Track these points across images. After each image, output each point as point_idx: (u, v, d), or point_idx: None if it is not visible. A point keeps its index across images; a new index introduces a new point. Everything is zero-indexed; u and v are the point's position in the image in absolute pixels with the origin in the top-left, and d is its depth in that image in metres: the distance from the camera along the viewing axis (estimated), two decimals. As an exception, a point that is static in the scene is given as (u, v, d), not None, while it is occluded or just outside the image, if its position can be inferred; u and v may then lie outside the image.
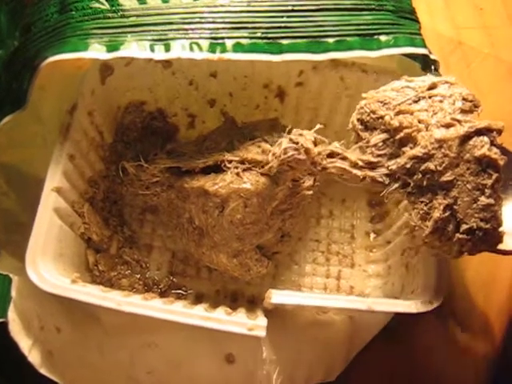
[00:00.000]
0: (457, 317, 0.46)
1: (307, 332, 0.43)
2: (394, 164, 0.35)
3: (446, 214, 0.32)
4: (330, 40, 0.40)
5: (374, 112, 0.36)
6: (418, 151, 0.33)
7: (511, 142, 0.48)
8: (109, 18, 0.38)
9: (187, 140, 0.48)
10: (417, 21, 0.43)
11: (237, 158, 0.40)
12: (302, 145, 0.37)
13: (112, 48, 0.37)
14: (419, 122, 0.34)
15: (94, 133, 0.43)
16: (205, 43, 0.38)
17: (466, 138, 0.32)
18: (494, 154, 0.32)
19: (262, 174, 0.39)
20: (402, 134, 0.34)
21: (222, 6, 0.40)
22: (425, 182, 0.33)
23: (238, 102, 0.46)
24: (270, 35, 0.39)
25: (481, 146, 0.32)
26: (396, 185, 0.35)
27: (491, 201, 0.32)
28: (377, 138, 0.36)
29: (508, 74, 0.55)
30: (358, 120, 0.37)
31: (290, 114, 0.47)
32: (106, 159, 0.46)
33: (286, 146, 0.37)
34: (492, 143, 0.32)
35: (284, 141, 0.37)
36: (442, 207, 0.32)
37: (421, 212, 0.33)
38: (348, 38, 0.40)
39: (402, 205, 0.44)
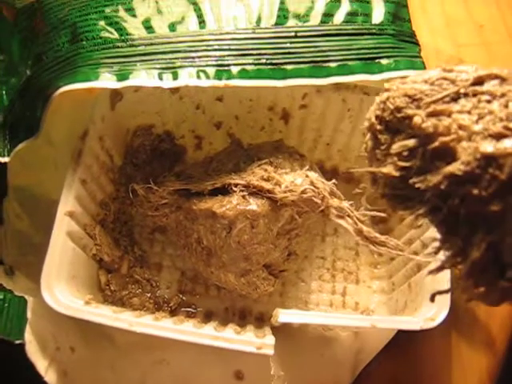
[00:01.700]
0: (459, 329, 0.47)
1: (314, 348, 0.45)
2: (424, 181, 0.26)
3: (489, 255, 0.24)
4: (333, 64, 0.41)
5: (399, 109, 0.27)
6: (457, 168, 0.24)
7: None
8: (118, 47, 0.40)
9: (195, 161, 0.49)
10: (417, 43, 0.44)
11: (243, 182, 0.41)
12: (321, 191, 0.38)
13: (122, 77, 0.38)
14: (459, 127, 0.25)
15: (104, 157, 0.45)
16: (211, 70, 0.39)
17: None
18: None
19: (267, 197, 0.41)
20: (436, 144, 0.25)
21: (227, 33, 0.41)
22: (463, 210, 0.25)
23: (243, 124, 0.47)
24: (274, 61, 0.40)
25: None
26: (423, 209, 0.26)
27: None
28: (402, 144, 0.27)
29: (508, 90, 0.56)
30: (378, 118, 0.28)
31: (295, 134, 0.48)
32: (116, 181, 0.47)
33: (306, 186, 0.39)
34: None
35: (300, 179, 0.39)
36: (483, 245, 0.24)
37: (454, 248, 0.25)
38: (350, 63, 0.41)
39: (405, 222, 0.45)
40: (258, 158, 0.44)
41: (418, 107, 0.26)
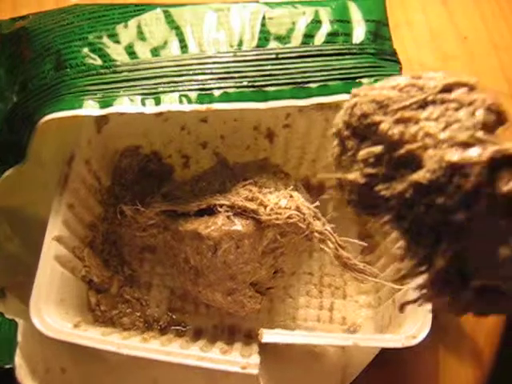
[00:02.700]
0: (447, 343, 0.47)
1: (302, 363, 0.45)
2: (389, 189, 0.26)
3: (453, 264, 0.24)
4: (313, 85, 0.42)
5: (366, 116, 0.27)
6: (422, 176, 0.24)
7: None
8: (101, 74, 0.40)
9: (183, 179, 0.50)
10: (398, 62, 0.45)
11: (228, 203, 0.42)
12: (306, 217, 0.39)
13: (105, 104, 0.39)
14: (426, 135, 0.25)
15: (91, 179, 0.45)
16: (193, 95, 0.40)
17: (490, 167, 0.23)
18: None
19: (252, 218, 0.41)
20: (402, 151, 0.25)
21: (209, 57, 0.42)
22: (428, 219, 0.24)
23: (229, 144, 0.48)
24: (256, 83, 0.41)
25: (509, 180, 0.23)
26: (387, 216, 0.26)
27: None
28: (368, 151, 0.27)
29: (493, 102, 0.56)
30: (345, 123, 0.28)
31: (280, 152, 0.49)
32: (104, 202, 0.48)
33: (292, 212, 0.40)
34: None
35: (285, 200, 0.40)
36: (448, 255, 0.24)
37: (416, 259, 0.25)
38: (330, 83, 0.42)
39: (390, 238, 0.46)
40: (243, 177, 0.45)
41: (385, 114, 0.26)
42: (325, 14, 0.44)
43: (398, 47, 0.45)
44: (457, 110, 0.25)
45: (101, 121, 0.45)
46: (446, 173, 0.23)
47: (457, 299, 0.25)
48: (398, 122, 0.26)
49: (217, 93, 0.40)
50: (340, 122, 0.28)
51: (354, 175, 0.27)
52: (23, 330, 0.42)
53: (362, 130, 0.27)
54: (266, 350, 0.41)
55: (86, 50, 0.41)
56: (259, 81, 0.41)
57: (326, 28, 0.43)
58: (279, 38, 0.42)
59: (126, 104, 0.39)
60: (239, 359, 0.38)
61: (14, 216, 0.47)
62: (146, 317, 0.47)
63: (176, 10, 0.43)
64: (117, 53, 0.41)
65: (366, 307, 0.48)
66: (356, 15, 0.44)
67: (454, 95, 0.26)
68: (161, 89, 0.40)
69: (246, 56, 0.42)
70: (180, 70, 0.41)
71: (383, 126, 0.26)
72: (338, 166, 0.29)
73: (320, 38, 0.43)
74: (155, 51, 0.41)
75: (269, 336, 0.39)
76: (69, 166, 0.42)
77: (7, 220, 0.47)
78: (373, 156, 0.26)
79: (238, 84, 0.41)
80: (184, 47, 0.42)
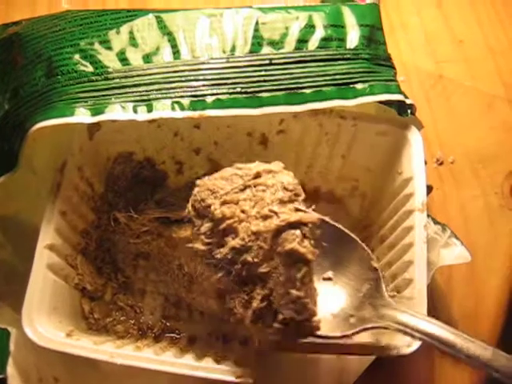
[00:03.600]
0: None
1: (297, 369, 0.45)
2: (218, 253, 0.35)
3: (264, 304, 0.33)
4: (308, 91, 0.41)
5: (203, 200, 0.36)
6: (236, 243, 0.34)
7: (498, 172, 0.50)
8: (93, 81, 0.40)
9: (177, 185, 0.50)
10: (392, 67, 0.45)
11: None
12: None
13: (96, 111, 0.39)
14: (242, 212, 0.34)
15: (84, 186, 0.45)
16: (186, 101, 0.40)
17: (278, 232, 0.33)
18: (303, 247, 0.32)
19: None
20: (224, 225, 0.34)
21: (202, 63, 0.41)
22: (244, 273, 0.34)
23: (223, 150, 0.48)
24: (249, 89, 0.41)
25: (292, 240, 0.32)
26: (220, 273, 0.36)
27: (301, 294, 0.32)
28: (205, 226, 0.36)
29: (488, 106, 0.56)
30: (192, 206, 0.37)
31: (274, 158, 0.48)
32: (97, 209, 0.47)
33: None
34: (304, 236, 0.33)
35: None
36: (259, 297, 0.33)
37: (242, 301, 0.35)
38: (324, 89, 0.42)
39: (385, 244, 0.46)
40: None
41: (216, 198, 0.35)
42: (318, 19, 0.43)
43: (392, 51, 0.45)
44: (264, 191, 0.35)
45: (93, 127, 0.44)
46: (252, 239, 0.33)
47: (272, 330, 0.34)
48: (223, 203, 0.35)
49: (210, 99, 0.40)
50: (189, 205, 0.38)
51: (198, 244, 0.37)
52: (16, 340, 0.42)
53: (202, 211, 0.36)
54: (261, 356, 0.41)
55: (77, 56, 0.41)
56: (253, 87, 0.41)
57: (319, 33, 0.43)
58: (272, 44, 0.42)
59: (118, 111, 0.39)
60: (234, 368, 0.38)
61: (6, 223, 0.47)
62: (139, 324, 0.47)
63: (168, 15, 0.43)
64: (108, 59, 0.41)
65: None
66: (350, 20, 0.44)
67: (261, 179, 0.35)
68: (153, 96, 0.40)
69: (239, 62, 0.41)
70: (172, 77, 0.40)
71: (212, 208, 0.35)
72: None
73: (314, 43, 0.43)
74: (147, 57, 0.41)
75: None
76: (61, 173, 0.42)
77: (1, 228, 0.47)
78: (208, 230, 0.36)
79: (231, 90, 0.40)
80: (176, 53, 0.41)
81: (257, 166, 0.36)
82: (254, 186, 0.35)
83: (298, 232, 0.32)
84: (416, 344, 0.38)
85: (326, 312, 0.37)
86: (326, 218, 0.37)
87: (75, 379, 0.43)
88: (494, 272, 0.51)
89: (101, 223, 0.47)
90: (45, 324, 0.39)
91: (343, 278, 0.39)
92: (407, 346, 0.37)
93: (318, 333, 0.35)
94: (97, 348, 0.38)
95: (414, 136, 0.44)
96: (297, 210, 0.34)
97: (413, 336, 0.34)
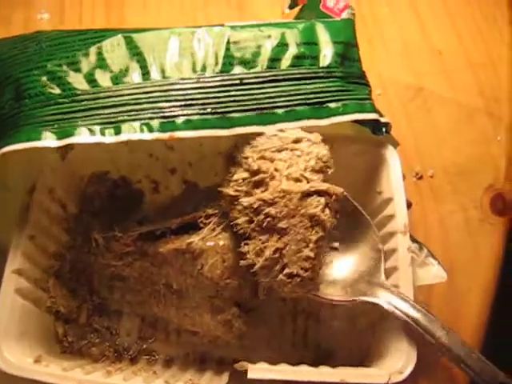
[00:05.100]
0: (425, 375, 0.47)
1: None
2: (245, 201, 0.38)
3: (275, 256, 0.37)
4: (280, 111, 0.41)
5: (242, 151, 0.40)
6: (265, 196, 0.37)
7: (477, 186, 0.50)
8: (60, 103, 0.39)
9: (154, 204, 0.49)
10: (367, 84, 0.44)
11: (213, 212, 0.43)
12: None
13: (63, 135, 0.38)
14: (275, 170, 0.37)
15: (56, 208, 0.45)
16: (155, 123, 0.39)
17: (305, 195, 0.37)
18: (325, 215, 0.37)
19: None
20: (257, 178, 0.38)
21: (172, 84, 0.41)
22: (265, 224, 0.37)
23: (198, 170, 0.47)
24: (219, 110, 0.40)
25: (316, 206, 0.37)
26: (244, 219, 0.38)
27: (312, 254, 0.36)
28: (238, 175, 0.39)
29: (468, 117, 0.56)
30: (230, 155, 0.41)
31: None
32: (70, 230, 0.46)
33: None
34: (327, 205, 0.37)
35: None
36: (273, 249, 0.37)
37: (256, 248, 0.37)
38: (297, 108, 0.41)
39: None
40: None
41: (254, 152, 0.39)
42: (291, 37, 0.43)
43: (370, 63, 0.45)
44: (299, 156, 0.38)
45: (65, 148, 0.44)
46: (280, 195, 0.37)
47: (276, 281, 0.38)
48: (260, 158, 0.39)
49: (180, 120, 0.39)
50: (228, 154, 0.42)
51: (228, 189, 0.40)
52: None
53: (239, 161, 0.40)
54: (236, 378, 0.40)
55: (44, 78, 0.40)
56: (223, 107, 0.40)
57: (292, 51, 0.42)
58: (244, 63, 0.42)
59: (85, 134, 0.38)
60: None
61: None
62: (115, 346, 0.46)
63: (139, 35, 0.42)
64: (77, 81, 0.40)
65: (340, 334, 0.47)
66: (324, 37, 0.43)
67: (299, 145, 0.39)
68: (121, 118, 0.39)
69: (209, 82, 0.41)
70: (141, 98, 0.40)
71: (249, 160, 0.39)
72: (223, 182, 0.41)
73: (286, 61, 0.42)
74: (116, 79, 0.41)
75: (255, 372, 0.37)
76: (30, 195, 0.42)
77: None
78: (241, 178, 0.39)
79: (202, 111, 0.40)
80: (146, 74, 0.41)
81: (298, 133, 0.39)
82: (291, 150, 0.38)
83: (322, 200, 0.37)
84: (408, 371, 0.37)
85: (327, 277, 0.42)
86: (348, 196, 0.41)
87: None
88: (474, 287, 0.50)
89: (75, 244, 0.47)
90: (13, 350, 0.38)
91: (349, 251, 0.43)
92: (399, 372, 0.37)
93: (316, 293, 0.40)
94: (65, 374, 0.38)
95: (391, 155, 0.44)
96: (324, 180, 0.38)
97: (398, 318, 0.38)
